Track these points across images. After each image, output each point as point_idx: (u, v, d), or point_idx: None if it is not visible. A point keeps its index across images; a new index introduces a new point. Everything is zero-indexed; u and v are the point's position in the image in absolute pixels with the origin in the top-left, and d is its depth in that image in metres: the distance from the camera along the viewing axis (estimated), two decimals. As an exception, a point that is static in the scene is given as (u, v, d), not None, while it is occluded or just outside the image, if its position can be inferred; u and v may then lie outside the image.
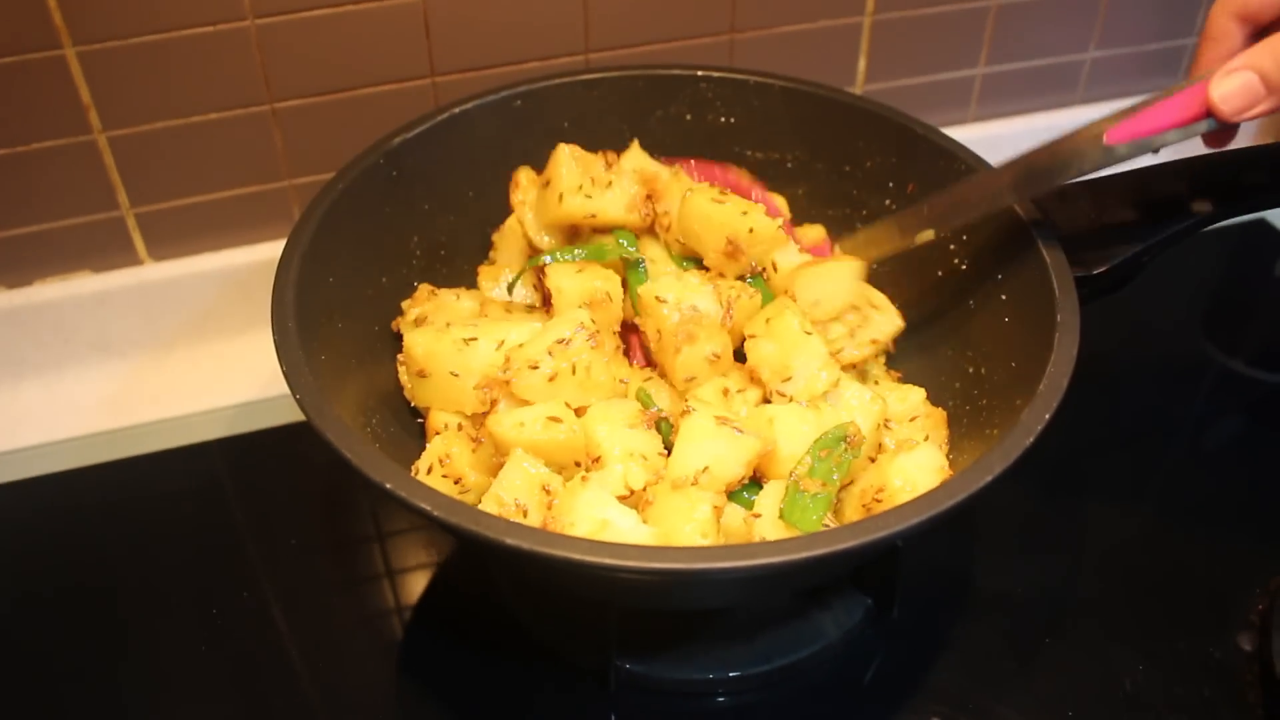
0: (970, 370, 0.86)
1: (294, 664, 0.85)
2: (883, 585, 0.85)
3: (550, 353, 0.77)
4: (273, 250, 1.07)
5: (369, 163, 0.88)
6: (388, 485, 0.64)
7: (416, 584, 0.91)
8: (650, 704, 0.82)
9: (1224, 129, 0.73)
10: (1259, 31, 0.74)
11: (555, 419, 0.74)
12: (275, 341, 0.73)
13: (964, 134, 1.25)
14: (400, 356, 0.86)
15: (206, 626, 0.87)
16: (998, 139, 1.27)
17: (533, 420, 0.75)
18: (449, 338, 0.80)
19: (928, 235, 0.86)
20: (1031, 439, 0.66)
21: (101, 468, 0.99)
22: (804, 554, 0.60)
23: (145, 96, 0.97)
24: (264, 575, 0.91)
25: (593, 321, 0.79)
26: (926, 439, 0.80)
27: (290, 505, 0.96)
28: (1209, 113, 0.70)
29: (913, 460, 0.74)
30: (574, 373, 0.78)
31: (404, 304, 0.91)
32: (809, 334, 0.80)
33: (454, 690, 0.83)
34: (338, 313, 0.83)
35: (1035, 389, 0.69)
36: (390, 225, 0.91)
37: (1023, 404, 0.69)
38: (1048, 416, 0.67)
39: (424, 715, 0.83)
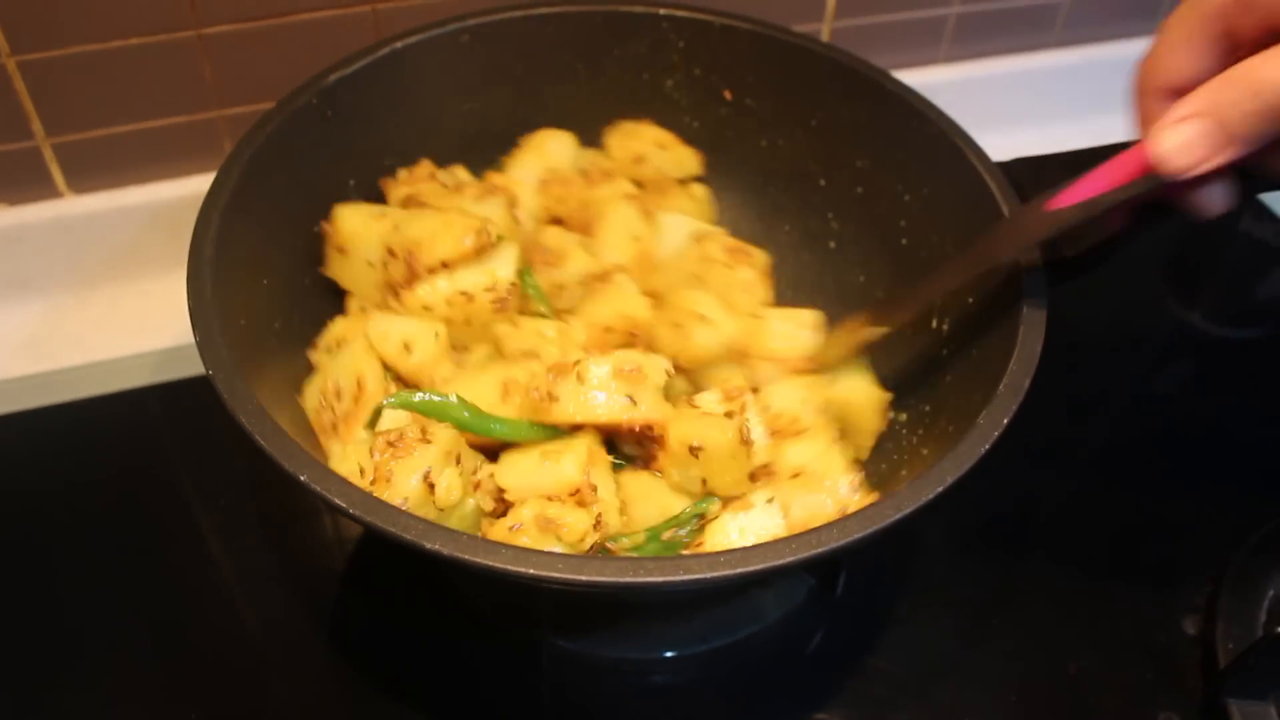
0: (933, 351, 0.82)
1: (222, 626, 0.82)
2: (826, 564, 0.83)
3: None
4: (202, 184, 1.00)
5: (300, 103, 0.82)
6: (302, 478, 0.60)
7: (352, 543, 0.88)
8: (584, 680, 0.80)
9: (1184, 185, 0.63)
10: None
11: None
12: (190, 308, 0.68)
13: (936, 75, 1.21)
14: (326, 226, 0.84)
15: (132, 586, 0.84)
16: (970, 81, 1.22)
17: None
18: (386, 223, 0.80)
19: (881, 331, 0.81)
20: (987, 446, 0.63)
21: (21, 416, 0.94)
22: (740, 570, 0.56)
23: (58, 18, 0.89)
24: (193, 534, 0.87)
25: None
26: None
27: (221, 460, 0.92)
28: (1153, 169, 0.61)
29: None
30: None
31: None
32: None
33: (383, 653, 0.81)
34: (264, 269, 0.78)
35: (994, 389, 0.66)
36: (324, 169, 0.86)
37: (981, 402, 0.66)
38: (1005, 421, 0.64)
39: (351, 676, 0.80)
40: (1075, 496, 0.95)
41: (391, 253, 0.80)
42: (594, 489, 0.71)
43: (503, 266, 0.80)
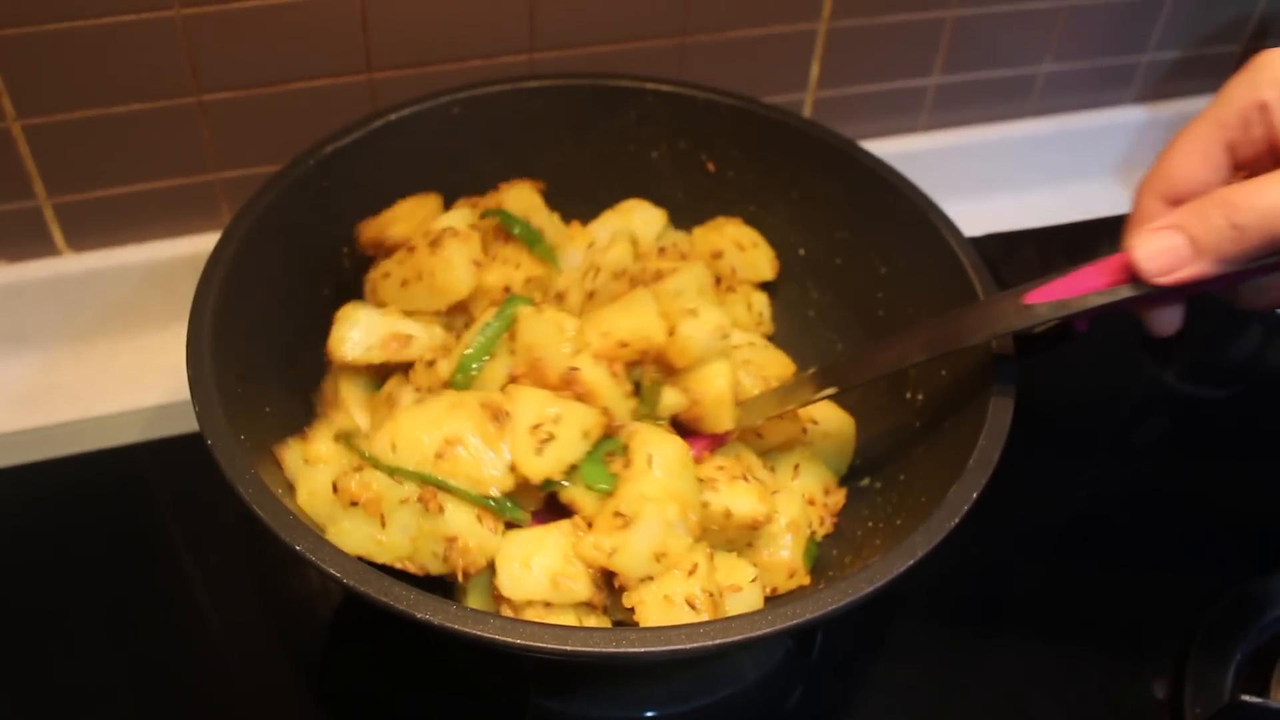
0: (906, 422, 0.85)
1: (211, 680, 0.83)
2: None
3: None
4: (197, 243, 1.04)
5: (297, 173, 0.85)
6: (298, 547, 0.62)
7: (338, 596, 0.89)
8: (567, 740, 0.82)
9: (1155, 297, 0.67)
10: None
11: None
12: (189, 378, 0.70)
13: (916, 143, 1.25)
14: None
15: (121, 641, 0.85)
16: (949, 149, 1.26)
17: None
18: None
19: (827, 393, 0.80)
20: (956, 520, 0.65)
21: (14, 470, 0.95)
22: (719, 640, 0.59)
23: (63, 85, 0.92)
24: (183, 589, 0.88)
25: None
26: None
27: (212, 517, 0.93)
28: (1133, 276, 0.65)
29: None
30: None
31: None
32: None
33: (368, 708, 0.82)
34: (260, 335, 0.80)
35: (964, 463, 0.68)
36: (319, 237, 0.88)
37: (951, 475, 0.68)
38: (974, 495, 0.67)
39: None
40: (1048, 557, 0.97)
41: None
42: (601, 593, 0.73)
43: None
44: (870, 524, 0.81)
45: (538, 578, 0.69)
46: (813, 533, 0.81)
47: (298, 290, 0.86)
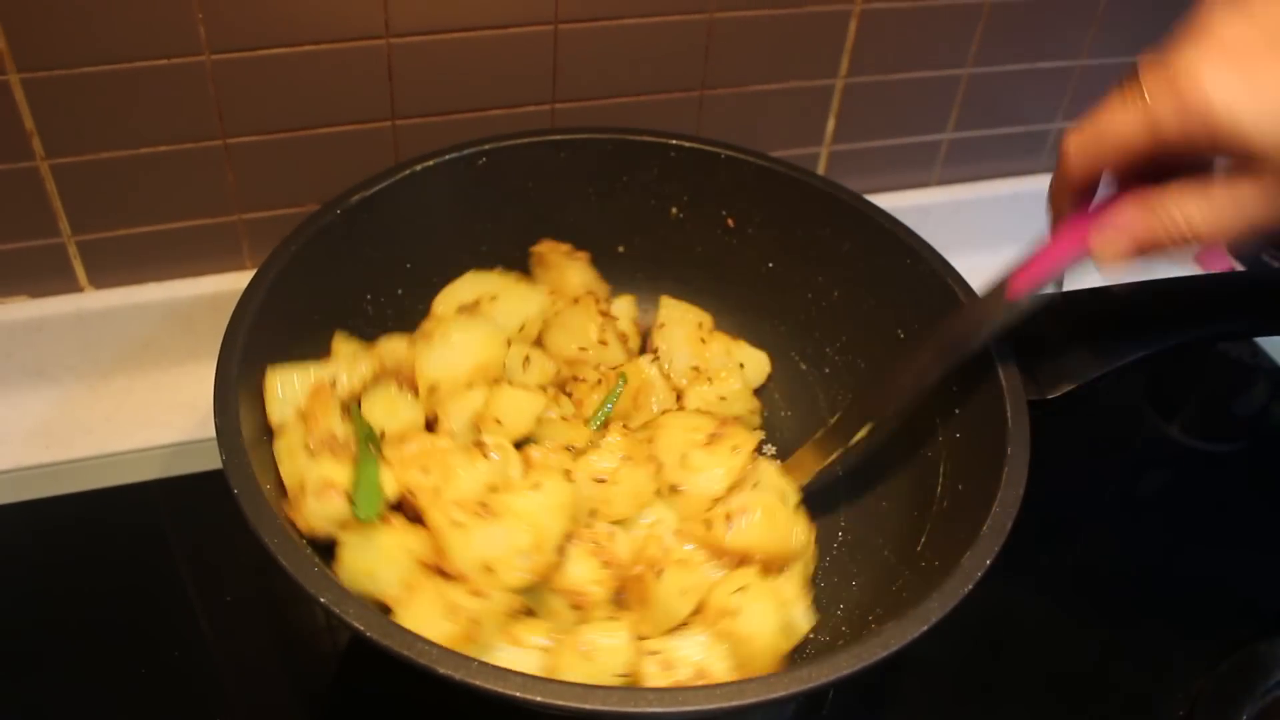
0: (919, 478, 0.86)
1: (220, 720, 0.84)
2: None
3: None
4: (218, 283, 1.06)
5: (324, 222, 0.86)
6: (322, 600, 0.63)
7: (348, 638, 0.89)
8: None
9: None
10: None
11: None
12: (217, 425, 0.71)
13: (929, 197, 1.26)
14: None
15: (131, 680, 0.85)
16: (962, 203, 1.27)
17: None
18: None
19: (863, 432, 0.84)
20: (970, 586, 0.66)
21: (29, 505, 0.96)
22: (734, 702, 0.60)
23: (92, 126, 0.93)
24: (195, 632, 0.89)
25: None
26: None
27: (227, 557, 0.94)
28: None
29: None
30: None
31: None
32: None
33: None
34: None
35: (978, 528, 0.69)
36: (344, 286, 0.89)
37: (965, 541, 0.69)
38: (988, 562, 0.67)
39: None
40: (1052, 614, 0.97)
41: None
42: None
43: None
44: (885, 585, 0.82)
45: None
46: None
47: (321, 338, 0.87)
